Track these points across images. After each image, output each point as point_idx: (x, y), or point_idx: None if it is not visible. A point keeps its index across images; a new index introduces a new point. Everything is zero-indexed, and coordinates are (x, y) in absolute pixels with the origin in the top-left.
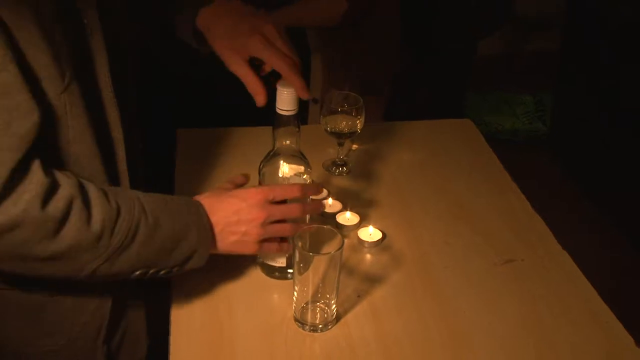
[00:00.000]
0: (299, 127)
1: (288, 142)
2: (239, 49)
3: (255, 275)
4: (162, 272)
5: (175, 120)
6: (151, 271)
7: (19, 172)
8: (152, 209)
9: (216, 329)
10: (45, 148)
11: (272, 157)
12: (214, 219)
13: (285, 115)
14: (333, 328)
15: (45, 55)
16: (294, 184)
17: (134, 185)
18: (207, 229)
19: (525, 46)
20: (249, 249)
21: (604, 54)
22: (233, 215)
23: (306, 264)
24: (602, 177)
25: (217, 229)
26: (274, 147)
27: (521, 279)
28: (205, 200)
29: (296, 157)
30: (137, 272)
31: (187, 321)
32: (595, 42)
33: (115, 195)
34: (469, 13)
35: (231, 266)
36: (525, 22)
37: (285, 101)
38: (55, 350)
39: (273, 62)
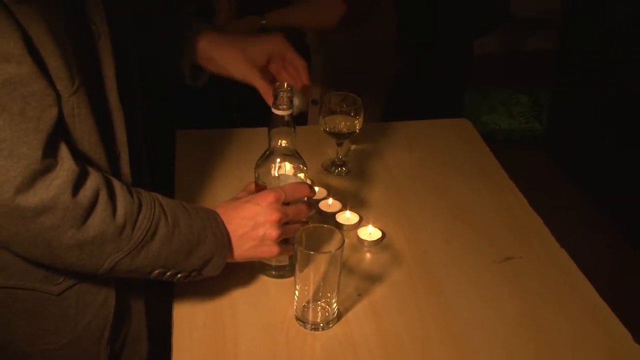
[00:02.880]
0: (294, 127)
1: (284, 142)
2: (251, 58)
3: (257, 274)
4: (180, 275)
5: (174, 122)
6: (169, 273)
7: (48, 157)
8: (171, 211)
9: (218, 328)
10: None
11: (267, 157)
12: (230, 227)
13: (280, 116)
14: (334, 326)
15: (55, 58)
16: (302, 184)
17: (137, 187)
18: (223, 236)
19: (522, 45)
20: (270, 251)
21: (600, 53)
22: (249, 220)
23: (307, 263)
24: (598, 175)
25: (234, 237)
26: (269, 147)
27: (520, 276)
28: (220, 210)
29: (292, 156)
30: (156, 272)
31: (189, 320)
32: (592, 41)
33: (137, 193)
34: (467, 12)
35: (233, 265)
36: (522, 21)
37: (281, 101)
38: (58, 348)
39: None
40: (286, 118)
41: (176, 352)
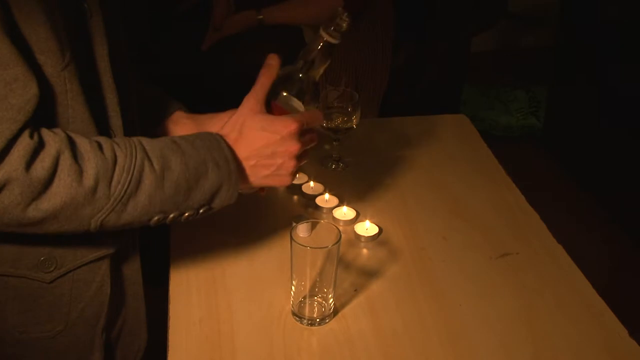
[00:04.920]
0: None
1: (318, 69)
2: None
3: (254, 269)
4: (187, 214)
5: None
6: (171, 215)
7: (12, 141)
8: (159, 154)
9: (214, 323)
10: (44, 122)
11: (297, 78)
12: (244, 153)
13: (330, 43)
14: (330, 322)
15: (44, 29)
16: (317, 112)
17: None
18: (228, 163)
19: (520, 42)
20: (283, 181)
21: (597, 50)
22: (266, 148)
23: (303, 258)
24: (595, 171)
25: (249, 164)
26: (299, 66)
27: (517, 272)
28: (233, 135)
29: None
30: (155, 218)
31: (185, 315)
32: (589, 38)
33: (112, 145)
34: (464, 9)
35: (230, 260)
36: (519, 18)
37: (337, 27)
38: (52, 336)
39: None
40: (333, 46)
41: (172, 348)
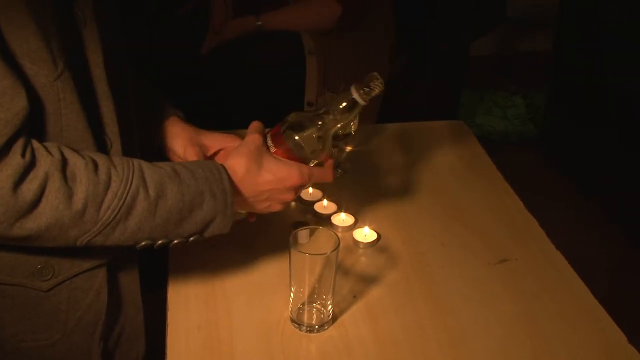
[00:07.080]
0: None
1: (338, 123)
2: (197, 142)
3: (252, 275)
4: (176, 242)
5: None
6: (159, 242)
7: (0, 154)
8: (157, 180)
9: (213, 330)
10: (34, 132)
11: (318, 126)
12: (247, 194)
13: (359, 103)
14: (329, 328)
15: (36, 39)
16: (328, 171)
17: None
18: (227, 195)
19: (518, 47)
20: (274, 210)
21: (595, 54)
22: (265, 192)
23: (302, 264)
24: (593, 176)
25: (245, 198)
26: (323, 120)
27: (516, 277)
28: (237, 170)
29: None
30: (142, 243)
31: (183, 322)
32: (588, 42)
33: (109, 168)
34: (463, 14)
35: (228, 267)
36: (517, 22)
37: (368, 93)
38: (50, 345)
39: None
40: (357, 105)
41: (171, 355)
